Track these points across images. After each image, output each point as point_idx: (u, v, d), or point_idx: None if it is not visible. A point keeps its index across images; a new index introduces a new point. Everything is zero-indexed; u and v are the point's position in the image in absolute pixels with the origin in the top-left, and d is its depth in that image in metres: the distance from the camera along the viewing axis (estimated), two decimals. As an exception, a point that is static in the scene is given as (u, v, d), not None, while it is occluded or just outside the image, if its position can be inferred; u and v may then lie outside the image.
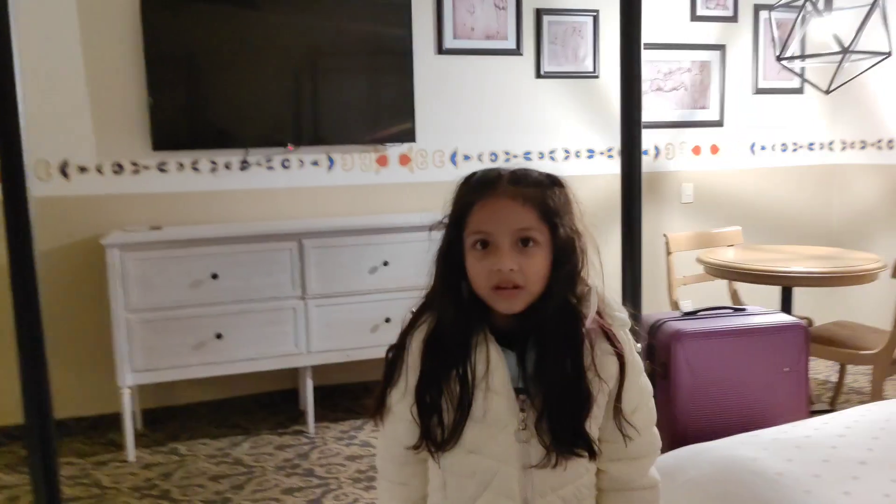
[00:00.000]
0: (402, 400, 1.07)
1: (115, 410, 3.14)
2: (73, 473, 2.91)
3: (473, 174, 1.07)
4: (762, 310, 2.22)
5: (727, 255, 3.41)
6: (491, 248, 1.00)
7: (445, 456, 1.04)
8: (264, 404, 3.55)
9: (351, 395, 3.58)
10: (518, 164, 1.10)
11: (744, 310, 2.19)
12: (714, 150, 4.21)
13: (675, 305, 3.48)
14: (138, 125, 3.27)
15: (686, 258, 3.57)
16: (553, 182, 1.06)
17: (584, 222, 1.08)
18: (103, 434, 3.30)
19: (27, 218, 0.75)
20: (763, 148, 4.30)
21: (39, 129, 3.16)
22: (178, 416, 3.44)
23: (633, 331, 1.11)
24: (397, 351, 1.09)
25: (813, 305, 3.95)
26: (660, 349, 1.92)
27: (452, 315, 1.03)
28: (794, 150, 4.37)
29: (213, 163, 3.39)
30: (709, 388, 1.99)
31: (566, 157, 3.94)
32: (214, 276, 3.02)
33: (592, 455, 1.03)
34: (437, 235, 1.09)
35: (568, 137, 3.93)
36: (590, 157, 3.98)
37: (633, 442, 1.06)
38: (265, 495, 2.66)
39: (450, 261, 1.05)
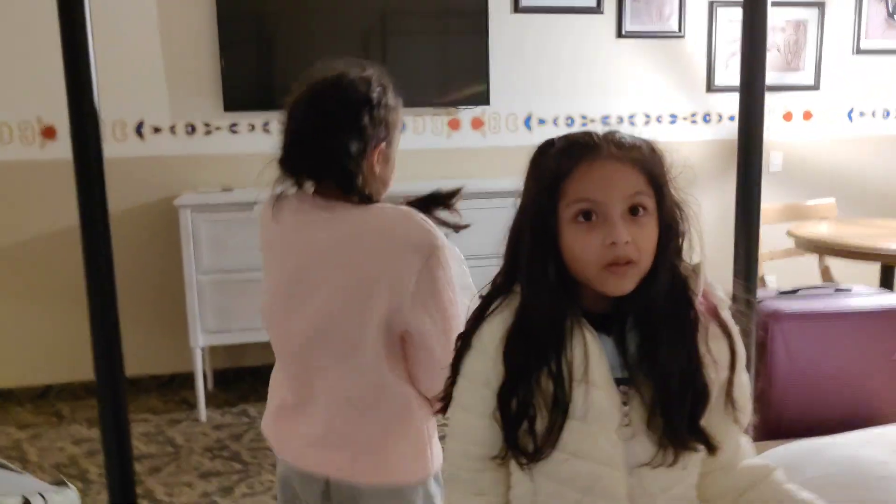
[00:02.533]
0: (477, 393, 0.94)
1: (188, 370, 3.18)
2: (149, 430, 2.96)
3: (555, 140, 0.95)
4: (868, 290, 2.04)
5: (820, 230, 3.20)
6: (598, 220, 0.88)
7: (539, 464, 0.91)
8: (332, 369, 3.54)
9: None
10: (608, 127, 1.00)
11: (849, 290, 2.02)
12: (807, 116, 3.94)
13: (761, 282, 3.29)
14: (210, 86, 3.24)
15: (772, 232, 3.36)
16: (651, 145, 0.95)
17: (679, 189, 0.96)
18: (177, 392, 3.35)
19: (100, 172, 0.69)
20: (862, 114, 4.00)
21: (115, 90, 3.16)
22: (248, 378, 3.46)
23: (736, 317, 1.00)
24: (467, 341, 0.95)
25: (912, 285, 3.67)
26: (755, 329, 1.78)
27: (547, 300, 0.90)
28: (897, 116, 4.05)
29: (285, 124, 3.34)
30: (808, 374, 1.84)
31: (646, 122, 3.75)
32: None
33: (712, 449, 0.91)
34: (510, 210, 0.96)
35: (649, 101, 3.74)
36: (672, 122, 3.78)
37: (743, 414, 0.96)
38: (333, 462, 2.65)
39: (539, 238, 0.91)
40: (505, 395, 0.91)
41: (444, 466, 1.00)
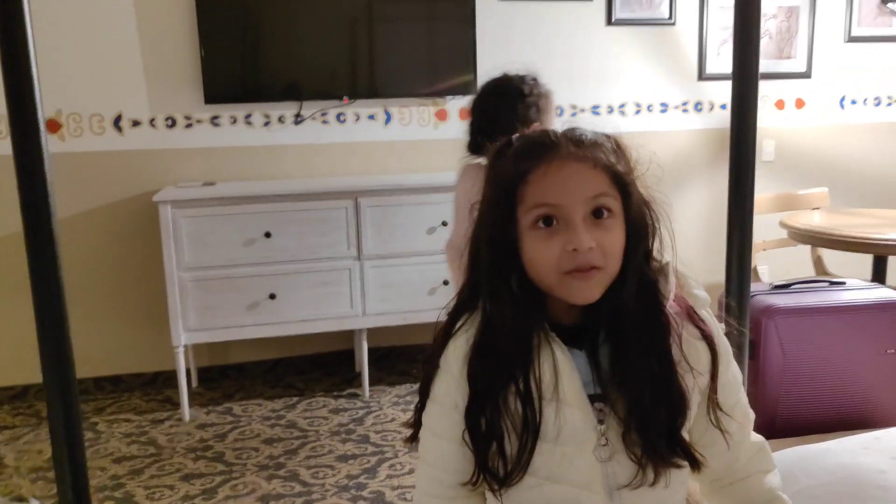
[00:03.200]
0: (446, 418, 0.88)
1: (172, 368, 3.11)
2: (131, 431, 2.89)
3: (513, 140, 0.89)
4: (863, 283, 2.00)
5: (813, 219, 3.15)
6: (559, 225, 0.82)
7: (510, 490, 0.85)
8: (319, 365, 3.48)
9: (408, 357, 3.48)
10: (568, 122, 0.90)
11: (843, 283, 1.97)
12: (799, 104, 3.89)
13: (754, 273, 3.24)
14: (190, 77, 3.16)
15: (765, 221, 3.32)
16: (615, 141, 0.89)
17: (648, 187, 0.91)
18: (160, 391, 3.29)
19: (42, 169, 0.62)
20: (854, 102, 3.95)
21: (92, 83, 3.08)
22: (232, 375, 3.40)
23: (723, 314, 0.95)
24: (433, 362, 0.89)
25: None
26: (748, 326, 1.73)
27: (510, 314, 0.84)
28: (889, 104, 4.00)
29: (267, 116, 3.27)
30: (802, 371, 1.80)
31: (637, 112, 3.69)
32: (267, 235, 2.92)
33: (695, 465, 0.85)
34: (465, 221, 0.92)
35: (640, 90, 3.67)
36: (663, 111, 3.72)
37: (733, 437, 0.90)
38: (319, 462, 2.59)
39: (498, 247, 0.85)
40: (472, 417, 0.85)
41: (415, 494, 0.95)
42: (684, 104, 3.74)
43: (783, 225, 3.10)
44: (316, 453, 2.66)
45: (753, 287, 1.98)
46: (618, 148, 0.88)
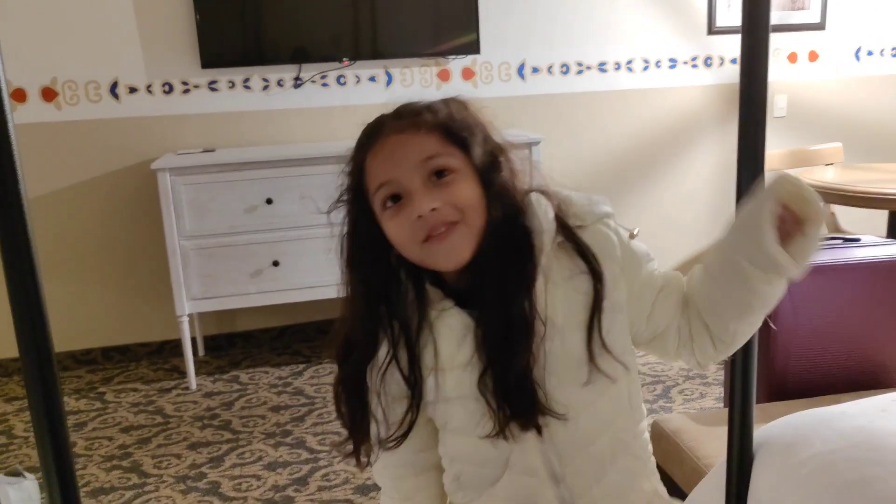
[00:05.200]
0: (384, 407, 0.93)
1: (178, 337, 3.10)
2: (138, 400, 2.89)
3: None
4: (878, 240, 1.93)
5: (826, 175, 3.07)
6: (404, 200, 0.84)
7: (453, 441, 0.92)
8: (326, 331, 3.43)
9: (413, 323, 3.46)
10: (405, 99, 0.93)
11: (857, 240, 1.90)
12: (812, 56, 3.77)
13: (764, 231, 3.18)
14: (186, 42, 3.09)
15: (778, 178, 3.24)
16: (447, 101, 0.90)
17: (501, 135, 0.91)
18: (167, 360, 3.28)
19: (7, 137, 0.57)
20: (870, 53, 3.83)
21: (87, 49, 3.02)
22: (239, 343, 3.39)
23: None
24: (354, 386, 0.94)
25: (920, 230, 3.56)
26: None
27: (399, 303, 0.89)
28: (906, 54, 3.88)
29: (265, 80, 3.20)
30: (815, 331, 1.74)
31: (645, 68, 3.59)
32: (269, 201, 2.88)
33: (531, 416, 0.85)
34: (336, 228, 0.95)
35: (647, 46, 3.57)
36: (671, 67, 3.62)
37: (649, 294, 0.92)
38: (326, 429, 2.58)
39: (363, 240, 0.89)
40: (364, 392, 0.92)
41: (374, 475, 1.03)
42: (693, 59, 3.64)
43: (796, 182, 3.02)
44: (323, 420, 2.65)
45: (764, 245, 1.93)
46: (448, 106, 0.88)
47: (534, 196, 0.89)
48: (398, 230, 0.84)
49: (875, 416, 1.00)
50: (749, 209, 0.83)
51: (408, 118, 0.86)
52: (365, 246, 0.88)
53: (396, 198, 0.84)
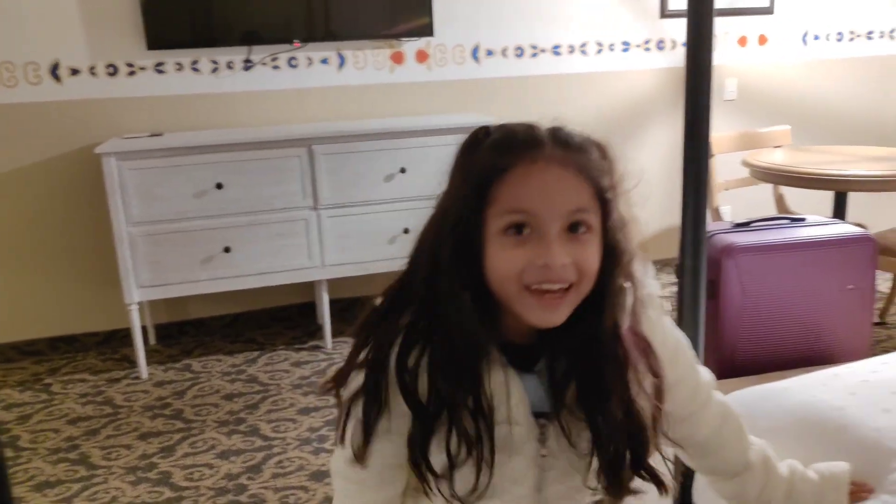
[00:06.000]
0: (388, 445, 0.82)
1: (128, 326, 3.03)
2: (86, 391, 2.82)
3: (488, 129, 0.80)
4: (823, 220, 1.98)
5: (775, 158, 3.13)
6: (531, 234, 0.74)
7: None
8: (280, 318, 3.42)
9: (370, 308, 3.43)
10: (556, 119, 0.82)
11: (803, 220, 1.95)
12: (762, 40, 3.83)
13: (716, 213, 3.23)
14: (130, 22, 2.99)
15: (727, 161, 3.29)
16: (603, 151, 0.81)
17: (630, 206, 0.83)
18: (116, 349, 3.20)
19: None
20: (816, 37, 3.91)
21: (24, 29, 2.90)
22: (191, 331, 3.33)
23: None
24: (377, 373, 0.80)
25: (866, 211, 3.67)
26: (707, 265, 1.70)
27: (467, 324, 0.76)
28: (851, 39, 3.97)
29: (214, 62, 3.12)
30: (762, 309, 1.78)
31: (599, 51, 3.60)
32: (219, 186, 2.82)
33: (661, 487, 0.83)
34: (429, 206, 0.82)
35: (601, 29, 3.58)
36: (625, 50, 3.64)
37: (697, 397, 0.89)
38: (280, 415, 2.55)
39: (461, 248, 0.76)
40: (423, 441, 0.79)
41: (334, 461, 0.90)
42: (646, 42, 3.66)
43: (745, 164, 3.07)
44: (277, 407, 2.62)
45: (714, 226, 1.96)
46: (605, 157, 0.80)
47: (627, 290, 0.81)
48: (510, 262, 0.75)
49: (816, 391, 1.01)
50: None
51: (573, 155, 0.77)
52: (463, 252, 0.77)
53: (521, 228, 0.75)
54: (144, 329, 3.16)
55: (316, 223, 2.94)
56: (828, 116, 3.98)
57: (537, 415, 0.80)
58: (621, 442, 0.79)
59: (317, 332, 3.27)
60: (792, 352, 1.78)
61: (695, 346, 1.06)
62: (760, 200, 3.64)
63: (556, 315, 0.76)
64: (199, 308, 3.32)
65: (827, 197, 3.08)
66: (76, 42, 2.97)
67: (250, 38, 3.10)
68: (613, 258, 0.78)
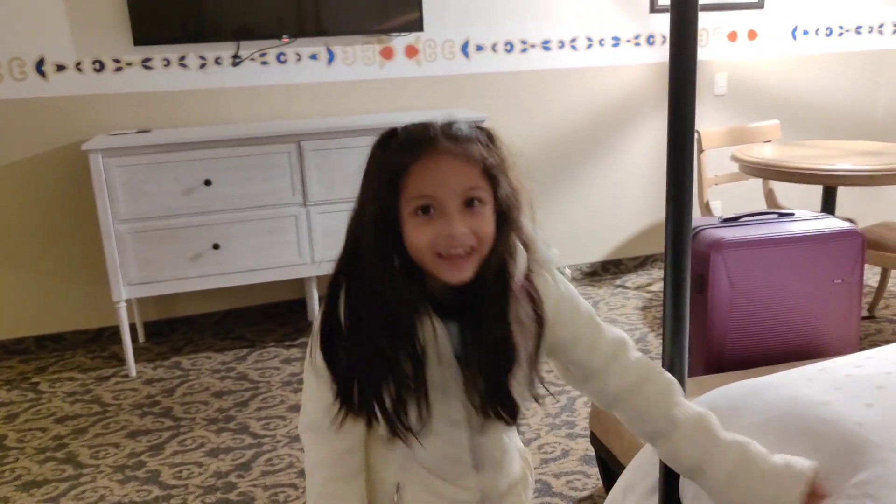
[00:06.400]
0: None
1: (116, 323, 3.01)
2: (74, 389, 2.80)
3: (396, 130, 0.98)
4: (811, 214, 1.98)
5: (764, 152, 3.13)
6: (436, 213, 0.93)
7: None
8: (271, 315, 3.41)
9: (360, 305, 3.42)
10: (446, 114, 1.00)
11: (791, 214, 1.95)
12: (752, 35, 3.84)
13: (706, 208, 3.23)
14: (117, 17, 2.97)
15: (717, 156, 3.29)
16: (489, 136, 0.99)
17: (518, 175, 1.01)
18: (105, 347, 3.19)
19: None
20: (806, 32, 3.92)
21: (8, 24, 2.88)
22: (180, 329, 3.31)
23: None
24: (325, 334, 1.00)
25: (855, 205, 3.68)
26: (695, 260, 1.70)
27: (391, 290, 0.96)
28: (840, 33, 3.98)
29: (202, 58, 3.10)
30: (751, 304, 1.78)
31: (588, 46, 3.60)
32: (207, 183, 2.80)
33: (513, 418, 1.02)
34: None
35: (591, 24, 3.58)
36: (615, 45, 3.64)
37: (596, 352, 1.06)
38: (270, 413, 2.54)
39: (383, 230, 0.95)
40: (373, 385, 0.97)
41: (301, 419, 1.08)
42: (636, 38, 3.66)
43: (734, 158, 3.07)
44: (267, 404, 2.61)
45: (702, 221, 1.95)
46: (490, 141, 0.97)
47: (519, 246, 1.00)
48: (421, 237, 0.93)
49: (801, 386, 1.01)
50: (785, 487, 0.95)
51: (461, 144, 0.94)
52: (388, 234, 0.95)
53: (427, 209, 0.93)
54: (133, 327, 3.15)
55: (305, 219, 2.93)
56: (817, 111, 3.99)
57: (459, 359, 0.99)
58: (500, 370, 0.98)
59: (307, 328, 3.26)
60: (781, 346, 1.78)
61: (680, 341, 1.05)
62: (750, 195, 3.65)
63: (463, 273, 0.95)
64: (189, 305, 3.30)
65: (816, 191, 3.09)
66: (62, 37, 2.94)
67: (239, 33, 3.08)
68: (505, 222, 0.97)
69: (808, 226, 1.87)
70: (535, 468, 2.12)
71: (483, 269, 0.96)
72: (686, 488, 1.03)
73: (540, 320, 1.01)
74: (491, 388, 0.98)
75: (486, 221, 0.95)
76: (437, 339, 0.97)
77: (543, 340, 1.02)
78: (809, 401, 0.97)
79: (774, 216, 1.95)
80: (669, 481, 1.08)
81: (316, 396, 1.03)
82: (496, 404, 0.99)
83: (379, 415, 0.98)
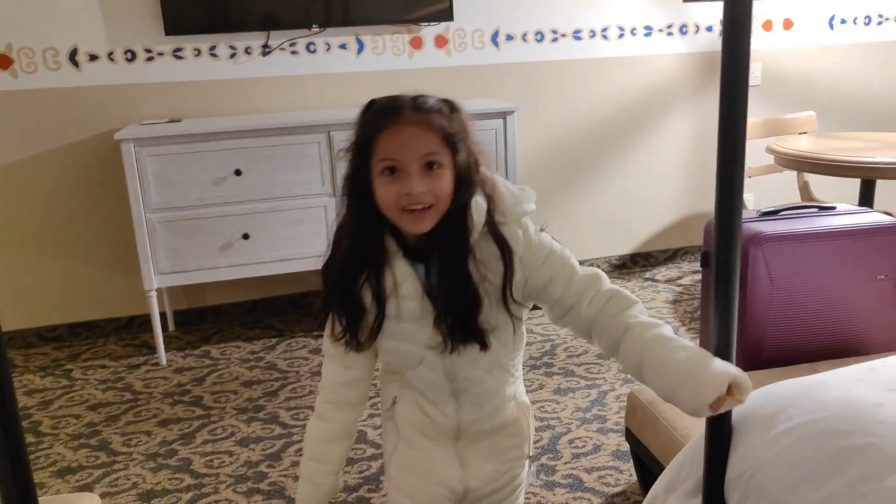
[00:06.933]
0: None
1: (147, 312, 3.03)
2: (106, 377, 2.83)
3: (374, 101, 1.13)
4: (853, 208, 1.93)
5: (800, 144, 3.07)
6: (399, 174, 1.08)
7: (381, 345, 1.21)
8: (299, 305, 3.42)
9: (388, 295, 3.42)
10: (417, 91, 1.14)
11: (832, 208, 1.90)
12: (787, 24, 3.76)
13: (739, 200, 3.17)
14: (148, 7, 2.98)
15: (751, 147, 3.23)
16: (452, 107, 1.12)
17: (479, 143, 1.15)
18: (136, 335, 3.22)
19: None
20: (843, 21, 3.83)
21: (43, 15, 2.90)
22: (210, 318, 3.33)
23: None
24: (329, 280, 1.19)
25: (891, 199, 3.60)
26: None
27: (366, 233, 1.13)
28: (880, 22, 3.88)
29: (233, 48, 3.10)
30: (790, 300, 1.74)
31: (620, 35, 3.55)
32: (238, 173, 2.81)
33: (483, 346, 1.16)
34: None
35: (622, 13, 3.52)
36: (647, 34, 3.58)
37: (570, 288, 1.15)
38: (299, 403, 2.55)
39: (358, 185, 1.12)
40: (342, 301, 1.17)
41: (323, 347, 1.28)
42: (669, 27, 3.60)
43: (770, 150, 3.02)
44: (296, 394, 2.62)
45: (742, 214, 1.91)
46: (452, 113, 1.11)
47: (475, 202, 1.13)
48: (387, 194, 1.08)
49: (853, 386, 0.98)
50: (707, 377, 0.99)
51: (423, 114, 1.08)
52: (359, 189, 1.12)
53: (393, 170, 1.07)
54: (163, 315, 3.17)
55: (335, 209, 2.93)
56: (855, 102, 3.90)
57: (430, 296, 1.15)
58: (460, 304, 1.12)
59: (335, 319, 3.26)
60: (821, 343, 1.74)
61: (727, 339, 1.03)
62: (784, 188, 3.58)
63: (423, 225, 1.10)
64: (218, 295, 3.32)
65: (853, 184, 3.03)
66: (95, 28, 2.96)
67: (269, 22, 3.07)
68: (462, 182, 1.11)
69: (850, 220, 1.82)
70: (565, 462, 2.11)
71: (443, 221, 1.10)
72: (731, 491, 1.01)
73: (506, 259, 1.13)
74: (454, 317, 1.13)
75: (443, 182, 1.09)
76: (398, 278, 1.14)
77: (511, 275, 1.14)
78: (862, 402, 0.95)
79: (815, 210, 1.91)
80: (713, 483, 1.06)
81: (330, 325, 1.21)
82: (461, 330, 1.13)
83: (340, 326, 1.17)
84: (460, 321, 1.14)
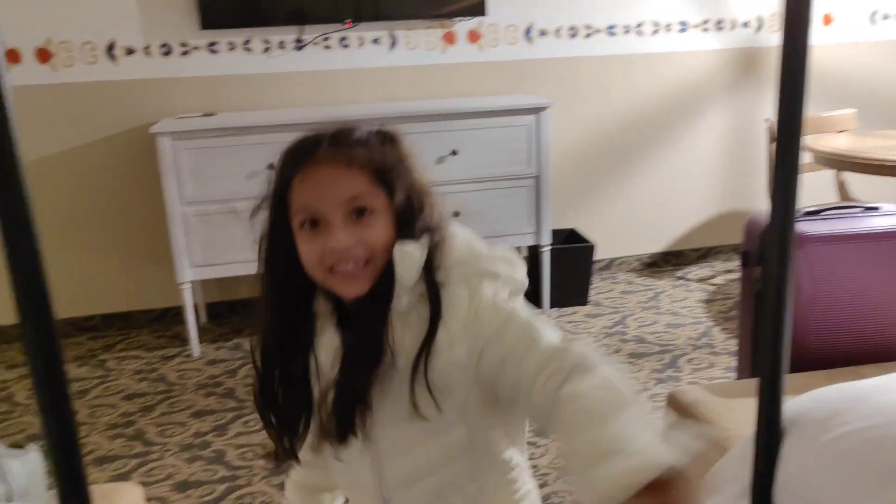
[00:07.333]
0: None
1: (180, 304, 3.06)
2: (140, 368, 2.87)
3: (295, 140, 0.93)
4: (898, 209, 1.89)
5: (839, 143, 3.01)
6: (322, 226, 0.87)
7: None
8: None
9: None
10: (345, 121, 0.94)
11: (877, 209, 1.86)
12: (827, 20, 3.68)
13: (775, 199, 3.12)
14: (184, 2, 3.00)
15: (789, 145, 3.18)
16: (383, 137, 0.92)
17: (421, 177, 0.93)
18: (169, 327, 3.25)
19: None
20: (886, 17, 3.74)
21: (82, 8, 2.93)
22: (241, 311, 3.36)
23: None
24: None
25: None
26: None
27: (292, 307, 0.93)
28: (922, 18, 3.79)
29: (266, 42, 3.12)
30: (833, 302, 1.71)
31: (655, 32, 3.50)
32: (271, 167, 2.81)
33: (341, 441, 0.92)
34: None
35: (657, 8, 3.48)
36: (682, 31, 3.53)
37: (526, 363, 0.84)
38: (331, 397, 2.56)
39: (278, 247, 0.91)
40: (266, 397, 0.94)
41: None
42: (705, 23, 3.55)
43: (808, 149, 2.97)
44: (327, 388, 2.63)
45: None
46: (384, 144, 0.91)
47: (406, 247, 0.88)
48: (309, 253, 0.88)
49: (912, 392, 0.96)
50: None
51: (344, 150, 0.88)
52: (280, 250, 0.91)
53: (314, 222, 0.87)
54: (196, 307, 3.20)
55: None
56: (895, 100, 3.82)
57: None
58: (355, 371, 0.89)
59: (365, 313, 3.27)
60: (864, 346, 1.71)
61: (777, 339, 1.01)
62: (820, 187, 3.51)
63: (358, 287, 0.88)
64: (250, 288, 3.33)
65: (892, 184, 2.96)
66: (132, 22, 2.99)
67: (301, 17, 3.08)
68: (402, 225, 0.89)
69: (894, 221, 1.79)
70: None
71: (384, 277, 0.88)
72: (780, 495, 0.99)
73: (431, 323, 0.87)
74: (344, 392, 0.89)
75: (377, 231, 0.88)
76: (329, 351, 0.92)
77: (429, 343, 0.87)
78: (921, 408, 0.93)
79: (859, 210, 1.87)
80: (763, 487, 1.04)
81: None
82: (335, 415, 0.89)
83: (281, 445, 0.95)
84: (343, 398, 0.89)
